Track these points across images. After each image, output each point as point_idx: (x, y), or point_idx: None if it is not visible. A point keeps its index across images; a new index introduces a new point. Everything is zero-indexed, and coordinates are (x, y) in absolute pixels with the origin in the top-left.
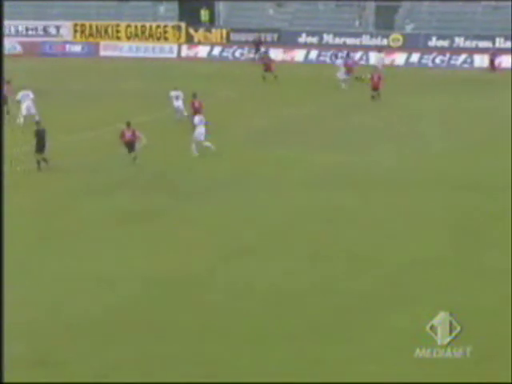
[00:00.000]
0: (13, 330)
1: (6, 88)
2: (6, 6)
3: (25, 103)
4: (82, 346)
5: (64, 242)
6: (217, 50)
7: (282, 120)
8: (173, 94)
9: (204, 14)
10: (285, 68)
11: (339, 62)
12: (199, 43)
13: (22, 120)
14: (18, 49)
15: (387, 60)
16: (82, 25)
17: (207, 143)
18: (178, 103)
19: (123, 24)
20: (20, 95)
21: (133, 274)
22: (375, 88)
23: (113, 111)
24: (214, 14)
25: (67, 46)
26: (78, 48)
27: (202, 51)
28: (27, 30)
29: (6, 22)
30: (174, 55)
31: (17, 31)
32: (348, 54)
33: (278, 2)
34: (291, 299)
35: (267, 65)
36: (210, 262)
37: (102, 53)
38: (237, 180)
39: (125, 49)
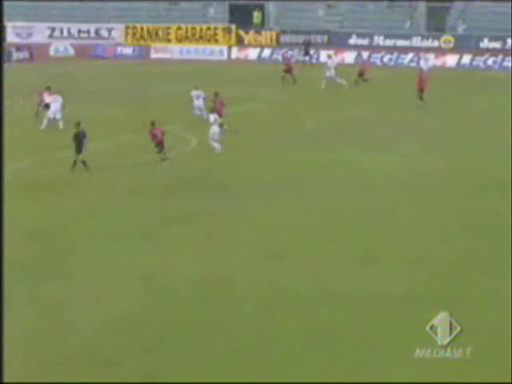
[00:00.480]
0: (62, 329)
1: (45, 94)
2: (61, 8)
3: (53, 107)
4: (131, 345)
5: (111, 242)
6: (267, 52)
7: (331, 122)
8: (194, 93)
9: (256, 16)
10: (354, 70)
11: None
12: (249, 45)
13: (45, 123)
14: (71, 51)
15: (438, 61)
16: (134, 27)
17: (217, 144)
18: (199, 102)
19: (174, 26)
20: (49, 99)
21: (178, 274)
22: (421, 89)
23: (161, 113)
24: (264, 15)
25: (119, 49)
26: (129, 50)
27: (252, 53)
28: (80, 32)
29: (61, 25)
30: (225, 57)
31: (70, 34)
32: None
33: (329, 3)
34: (337, 301)
35: (288, 66)
36: (255, 264)
37: (153, 55)
38: (283, 182)
39: (175, 51)
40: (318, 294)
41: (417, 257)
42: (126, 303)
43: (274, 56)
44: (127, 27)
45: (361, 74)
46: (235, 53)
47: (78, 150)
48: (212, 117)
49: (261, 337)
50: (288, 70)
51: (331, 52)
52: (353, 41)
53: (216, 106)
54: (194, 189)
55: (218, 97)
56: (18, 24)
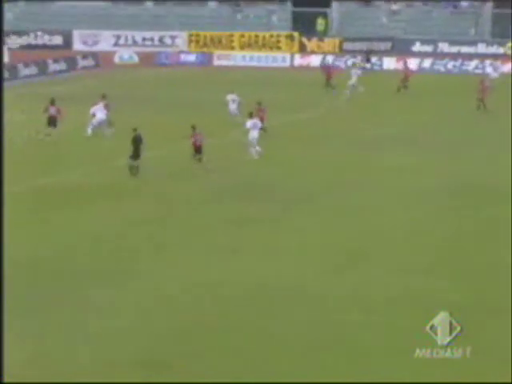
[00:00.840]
0: (123, 333)
1: (102, 104)
2: (126, 16)
3: (97, 115)
4: (188, 348)
5: (170, 249)
6: (329, 60)
7: (394, 128)
8: (229, 97)
9: (320, 23)
10: (398, 77)
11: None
12: (312, 52)
13: (89, 131)
14: (135, 59)
15: (503, 68)
16: (197, 35)
17: (257, 148)
18: (233, 106)
19: (237, 34)
20: (94, 108)
21: (237, 280)
22: (482, 97)
23: (220, 119)
24: (328, 23)
25: (182, 56)
26: (192, 58)
27: (315, 60)
28: (144, 40)
29: (125, 32)
30: (287, 64)
31: (134, 41)
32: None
33: (393, 10)
34: (411, 311)
35: (328, 74)
36: (319, 271)
37: (216, 62)
38: (342, 186)
39: (238, 58)
40: (391, 304)
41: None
42: (184, 307)
43: (337, 63)
44: (191, 35)
45: (404, 81)
46: (298, 60)
47: (135, 154)
48: (250, 122)
49: (326, 344)
50: (329, 78)
51: (357, 61)
52: (416, 48)
53: (258, 112)
54: (250, 195)
55: (261, 105)
56: (85, 32)
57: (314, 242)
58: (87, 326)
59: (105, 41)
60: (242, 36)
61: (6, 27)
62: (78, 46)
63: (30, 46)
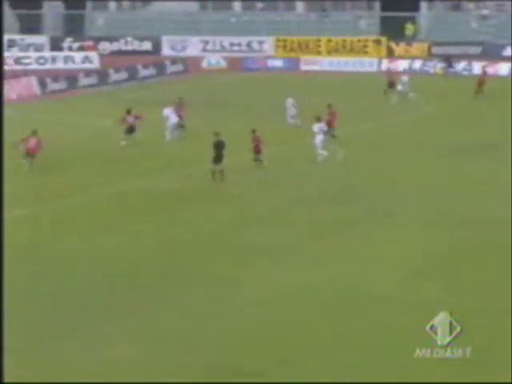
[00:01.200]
0: (210, 340)
1: (178, 108)
2: (214, 22)
3: (171, 119)
4: (275, 356)
5: (259, 255)
6: (417, 64)
7: (481, 134)
8: (289, 101)
9: (408, 28)
10: (488, 82)
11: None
12: (400, 57)
13: (169, 136)
14: (223, 64)
15: None
16: (284, 40)
17: (322, 152)
18: (292, 111)
19: (324, 39)
20: (166, 111)
21: (331, 288)
22: None
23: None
24: (417, 27)
25: (269, 61)
26: (279, 63)
27: (403, 65)
28: (231, 45)
29: (213, 38)
30: (374, 69)
31: (222, 47)
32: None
33: (482, 15)
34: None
35: (392, 81)
36: (407, 279)
37: (303, 67)
38: (426, 195)
39: (325, 63)
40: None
41: None
42: (273, 316)
43: (425, 68)
44: (278, 40)
45: (480, 85)
46: (385, 65)
47: (217, 159)
48: (317, 126)
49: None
50: (392, 85)
51: (406, 66)
52: (507, 52)
53: (328, 116)
54: (342, 200)
55: (331, 108)
56: (173, 38)
57: (401, 250)
58: (179, 328)
59: (193, 46)
60: (329, 41)
61: (98, 33)
62: (166, 51)
63: (120, 52)
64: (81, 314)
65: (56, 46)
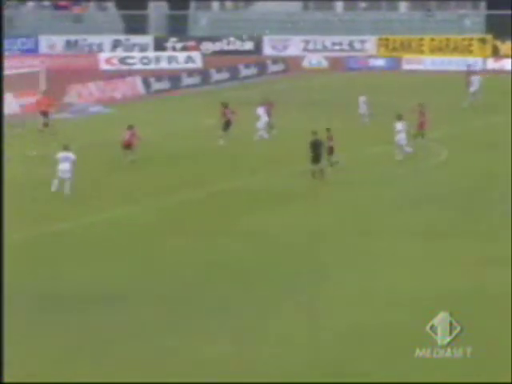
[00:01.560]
0: (315, 338)
1: (266, 108)
2: (315, 21)
3: (262, 118)
4: (381, 356)
5: (356, 258)
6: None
7: None
8: (361, 99)
9: None
10: None
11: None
12: (505, 56)
13: (262, 135)
14: (324, 63)
15: None
16: (386, 39)
17: (408, 148)
18: (364, 108)
19: (427, 38)
20: (259, 111)
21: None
22: None
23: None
24: None
25: (371, 61)
26: (381, 62)
27: (509, 64)
28: (333, 44)
29: (315, 37)
30: (479, 68)
31: (323, 46)
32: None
33: None
34: None
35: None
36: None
37: (405, 66)
38: None
39: (427, 62)
40: None
41: None
42: (376, 317)
43: None
44: (380, 39)
45: None
46: (490, 64)
47: (315, 159)
48: (399, 124)
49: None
50: (468, 84)
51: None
52: None
53: (417, 115)
54: (439, 203)
55: (423, 107)
56: (275, 37)
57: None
58: (281, 328)
59: (294, 46)
60: (433, 40)
61: (201, 33)
62: (268, 51)
63: (222, 52)
64: (184, 311)
65: (160, 46)
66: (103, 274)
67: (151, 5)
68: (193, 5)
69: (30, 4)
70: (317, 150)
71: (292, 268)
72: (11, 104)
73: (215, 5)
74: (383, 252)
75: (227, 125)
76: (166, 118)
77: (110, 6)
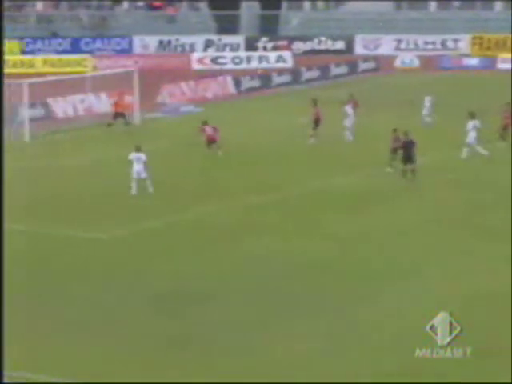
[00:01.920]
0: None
1: (351, 105)
2: (408, 20)
3: (350, 118)
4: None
5: (431, 258)
6: None
7: None
8: (427, 99)
9: None
10: None
11: None
12: None
13: (348, 135)
14: (416, 63)
15: None
16: (481, 38)
17: (479, 148)
18: (427, 109)
19: None
20: (346, 109)
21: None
22: None
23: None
24: None
25: (464, 60)
26: (474, 61)
27: None
28: (426, 43)
29: (407, 36)
30: None
31: (416, 45)
32: None
33: None
34: None
35: None
36: None
37: (500, 66)
38: None
39: None
40: None
41: None
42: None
43: None
44: (474, 38)
45: None
46: None
47: (407, 159)
48: (470, 123)
49: None
50: None
51: None
52: None
53: (504, 116)
54: None
55: (509, 106)
56: (367, 36)
57: None
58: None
59: (386, 45)
60: None
61: (292, 33)
62: (359, 50)
63: (313, 51)
64: (273, 311)
65: (251, 45)
66: (191, 273)
67: (243, 5)
68: (284, 5)
69: (125, 5)
70: (408, 150)
71: (380, 265)
72: (105, 103)
73: (306, 5)
74: (475, 250)
75: (316, 123)
76: (257, 117)
77: (203, 6)
